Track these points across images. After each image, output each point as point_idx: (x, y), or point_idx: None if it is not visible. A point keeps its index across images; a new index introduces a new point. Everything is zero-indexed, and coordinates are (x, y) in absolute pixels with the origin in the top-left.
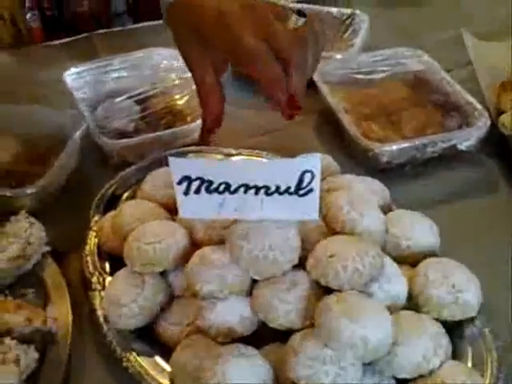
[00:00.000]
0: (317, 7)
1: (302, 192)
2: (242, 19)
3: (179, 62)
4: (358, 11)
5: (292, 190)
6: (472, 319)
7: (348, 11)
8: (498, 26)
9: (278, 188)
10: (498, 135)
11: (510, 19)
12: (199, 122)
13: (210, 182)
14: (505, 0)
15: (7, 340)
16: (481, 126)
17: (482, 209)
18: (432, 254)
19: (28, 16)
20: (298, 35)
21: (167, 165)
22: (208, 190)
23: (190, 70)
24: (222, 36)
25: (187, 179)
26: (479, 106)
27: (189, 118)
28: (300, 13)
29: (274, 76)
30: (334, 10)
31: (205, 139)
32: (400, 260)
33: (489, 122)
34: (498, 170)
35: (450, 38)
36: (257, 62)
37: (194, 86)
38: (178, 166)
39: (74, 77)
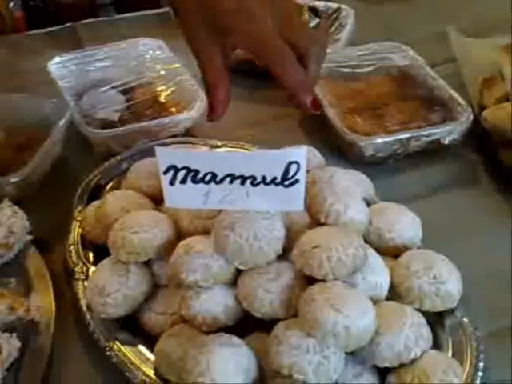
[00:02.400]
0: (304, 0)
1: (287, 183)
2: (265, 10)
3: (164, 53)
4: (344, 6)
5: (278, 180)
6: (452, 310)
7: (334, 5)
8: (482, 22)
9: (263, 179)
10: (480, 130)
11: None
12: (184, 113)
13: (196, 172)
14: None
15: None
16: (464, 121)
17: (464, 202)
18: (414, 246)
19: (11, 5)
20: (316, 34)
21: (152, 155)
22: (194, 180)
23: (196, 53)
24: (242, 26)
25: (173, 169)
26: (462, 101)
27: (174, 109)
28: (312, 10)
29: (299, 79)
30: (320, 3)
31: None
32: (383, 252)
33: (472, 117)
34: (480, 164)
35: (435, 34)
36: (282, 63)
37: (179, 77)
38: (165, 156)
39: (59, 66)
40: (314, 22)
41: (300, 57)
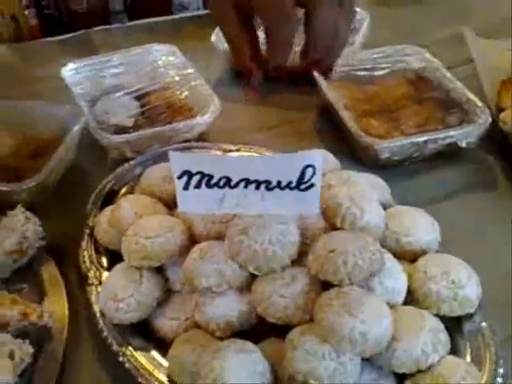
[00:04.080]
0: None
1: (303, 187)
2: None
3: (178, 59)
4: (358, 9)
5: (293, 184)
6: (471, 315)
7: None
8: (498, 23)
9: (279, 183)
10: (498, 132)
11: (511, 17)
12: (198, 118)
13: (211, 177)
14: None
15: (2, 334)
16: (482, 124)
17: (482, 205)
18: (432, 250)
19: (25, 13)
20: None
21: (165, 160)
22: (208, 185)
23: (219, 22)
24: None
25: (187, 173)
26: (480, 104)
27: (187, 114)
28: None
29: (279, 39)
30: None
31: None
32: (400, 256)
33: (490, 120)
34: (498, 167)
35: (450, 36)
36: (273, 19)
37: (192, 83)
38: (179, 161)
39: (73, 72)
40: None
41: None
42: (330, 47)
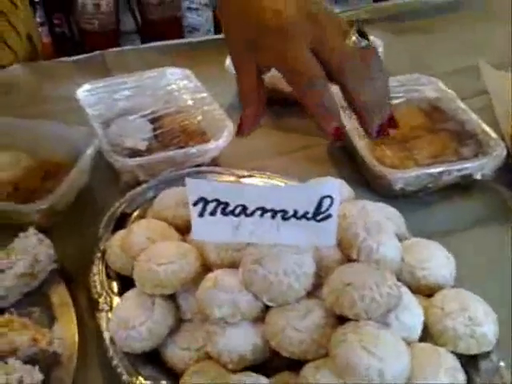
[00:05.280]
0: None
1: (319, 217)
2: (300, 27)
3: (192, 82)
4: (373, 37)
5: (310, 215)
6: (488, 353)
7: None
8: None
9: (295, 212)
10: None
11: None
12: (211, 142)
13: (226, 204)
14: None
15: (11, 360)
16: (497, 156)
17: (497, 239)
18: (448, 284)
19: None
20: (360, 56)
21: (178, 184)
22: (224, 213)
23: (235, 67)
24: (274, 44)
25: (203, 200)
26: (495, 136)
27: (200, 139)
28: (360, 33)
29: (320, 103)
30: None
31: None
32: (415, 290)
33: (505, 152)
34: None
35: (464, 67)
36: (303, 85)
37: (206, 107)
38: (195, 187)
39: (88, 94)
40: (363, 43)
41: (332, 74)
42: (379, 111)
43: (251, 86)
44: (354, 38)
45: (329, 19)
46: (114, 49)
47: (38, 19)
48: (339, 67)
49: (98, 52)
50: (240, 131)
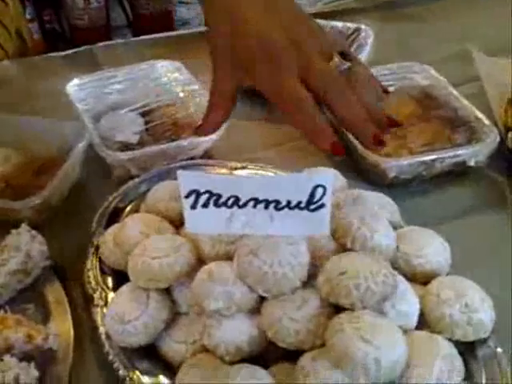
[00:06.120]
0: (323, 21)
1: (312, 207)
2: (286, 53)
3: (183, 75)
4: (363, 26)
5: (303, 204)
6: (485, 340)
7: (353, 25)
8: (505, 41)
9: (288, 203)
10: (506, 151)
11: None
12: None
13: (219, 196)
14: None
15: (7, 358)
16: (490, 142)
17: (491, 225)
18: (443, 271)
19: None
20: (345, 78)
21: (171, 177)
22: (216, 204)
23: (215, 71)
24: (264, 71)
25: (195, 193)
26: (488, 122)
27: (193, 131)
28: (343, 55)
29: (312, 127)
30: (339, 24)
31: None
32: (411, 278)
33: (498, 138)
34: (506, 186)
35: (454, 53)
36: (294, 111)
37: (197, 99)
38: (187, 180)
39: (77, 88)
40: (345, 66)
41: (320, 97)
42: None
43: (223, 94)
44: (336, 59)
45: (312, 42)
46: (104, 43)
47: (28, 16)
48: (325, 90)
49: (87, 46)
50: (198, 131)
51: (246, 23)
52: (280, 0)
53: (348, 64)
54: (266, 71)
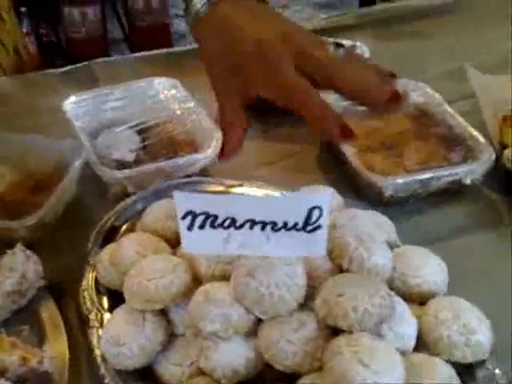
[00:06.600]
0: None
1: (309, 228)
2: (281, 50)
3: (179, 92)
4: (358, 43)
5: (299, 226)
6: (483, 361)
7: (349, 43)
8: (499, 58)
9: (285, 224)
10: (502, 169)
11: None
12: (200, 153)
13: (215, 217)
14: (506, 33)
15: (1, 381)
16: (486, 160)
17: (487, 244)
18: (440, 292)
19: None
20: (338, 60)
21: (167, 196)
22: (213, 225)
23: (216, 94)
24: (259, 68)
25: (191, 214)
26: (483, 140)
27: (189, 149)
28: (337, 45)
29: (320, 112)
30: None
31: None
32: (407, 298)
33: (494, 156)
34: (502, 204)
35: (449, 71)
36: (300, 101)
37: (194, 116)
38: (183, 200)
39: (74, 105)
40: (341, 52)
41: (323, 81)
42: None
43: (233, 110)
44: (331, 48)
45: (303, 36)
46: (102, 59)
47: (24, 29)
48: (329, 73)
49: (85, 62)
50: (223, 155)
51: (241, 30)
52: (264, 8)
53: (343, 50)
54: (266, 71)
